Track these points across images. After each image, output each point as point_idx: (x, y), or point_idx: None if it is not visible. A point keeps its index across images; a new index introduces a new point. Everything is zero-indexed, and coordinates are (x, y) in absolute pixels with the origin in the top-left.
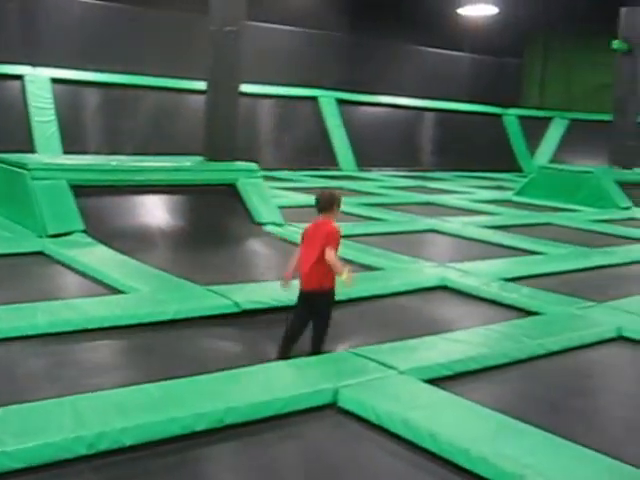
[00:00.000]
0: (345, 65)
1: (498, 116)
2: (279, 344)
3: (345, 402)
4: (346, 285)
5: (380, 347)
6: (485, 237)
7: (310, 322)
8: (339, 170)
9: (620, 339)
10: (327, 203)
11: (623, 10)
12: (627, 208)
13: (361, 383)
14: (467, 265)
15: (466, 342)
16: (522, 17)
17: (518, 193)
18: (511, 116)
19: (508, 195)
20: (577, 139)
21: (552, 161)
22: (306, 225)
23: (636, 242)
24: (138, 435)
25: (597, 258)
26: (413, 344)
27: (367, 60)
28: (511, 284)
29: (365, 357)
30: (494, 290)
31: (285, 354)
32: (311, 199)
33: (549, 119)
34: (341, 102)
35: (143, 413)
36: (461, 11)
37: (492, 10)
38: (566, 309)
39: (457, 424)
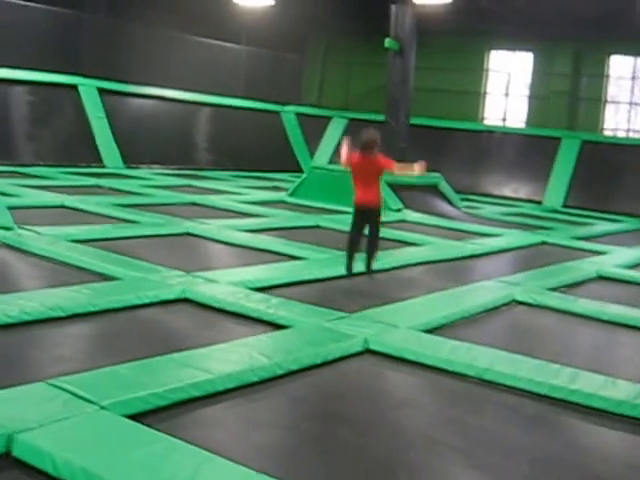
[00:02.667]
0: (107, 52)
1: (276, 113)
2: (345, 262)
3: (21, 451)
4: (421, 171)
5: (83, 376)
6: (245, 241)
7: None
8: (103, 167)
9: (367, 352)
10: (372, 144)
11: (393, 7)
12: (398, 210)
13: (46, 425)
14: (217, 273)
15: (195, 365)
16: (301, 12)
17: (292, 194)
18: (289, 114)
19: (282, 196)
20: (356, 138)
21: (332, 161)
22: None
23: (406, 245)
24: None
25: (360, 264)
26: (124, 371)
27: (131, 48)
28: (261, 294)
29: (61, 389)
30: (241, 301)
31: (351, 267)
32: (60, 199)
33: (328, 118)
34: (104, 92)
35: None
36: (237, 0)
37: (268, 1)
38: (316, 321)
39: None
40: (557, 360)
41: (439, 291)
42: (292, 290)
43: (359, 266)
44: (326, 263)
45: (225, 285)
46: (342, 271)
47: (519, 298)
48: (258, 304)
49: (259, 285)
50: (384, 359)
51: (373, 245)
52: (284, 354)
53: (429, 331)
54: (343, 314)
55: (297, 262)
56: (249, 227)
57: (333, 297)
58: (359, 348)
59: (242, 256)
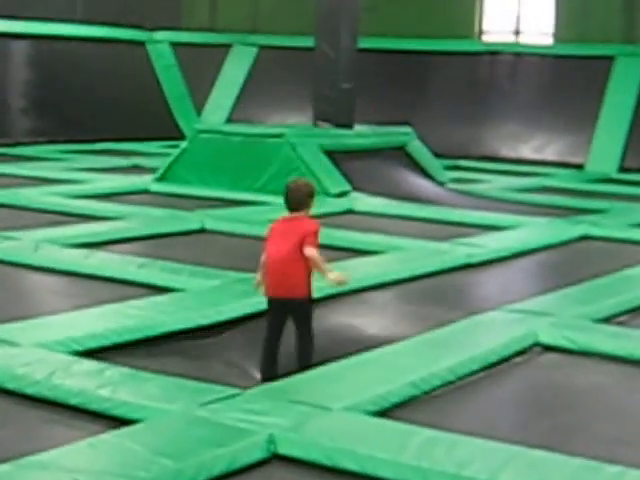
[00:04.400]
0: None
1: (139, 45)
2: (260, 363)
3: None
4: (339, 285)
5: None
6: (75, 265)
7: (283, 331)
8: None
9: (275, 459)
10: (300, 199)
11: None
12: (342, 194)
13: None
14: (20, 327)
15: None
16: None
17: (161, 177)
18: (161, 44)
19: (146, 181)
20: (271, 79)
21: (231, 119)
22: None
23: (357, 254)
24: None
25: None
26: None
27: None
28: (92, 362)
29: None
30: (55, 378)
31: (270, 373)
32: None
33: (225, 47)
34: None
35: None
36: None
37: None
38: (185, 408)
39: None
40: (613, 455)
41: (407, 337)
42: (149, 350)
43: None
44: (213, 296)
45: (30, 348)
46: (242, 307)
47: (545, 339)
48: (84, 381)
49: (90, 346)
50: (303, 470)
51: (304, 356)
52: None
53: (384, 412)
54: (233, 390)
55: (164, 297)
56: (85, 239)
57: (219, 358)
58: (260, 453)
59: (68, 292)
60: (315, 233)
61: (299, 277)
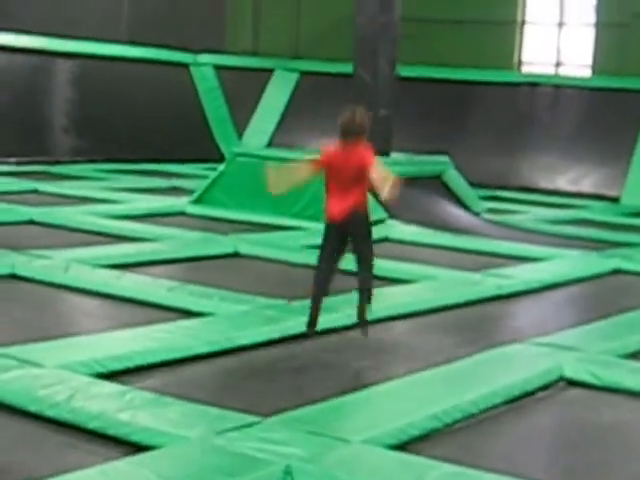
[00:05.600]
0: None
1: (183, 67)
2: (309, 312)
3: None
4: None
5: None
6: (105, 286)
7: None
8: None
9: None
10: (354, 128)
11: None
12: (378, 222)
13: None
14: (44, 347)
15: None
16: None
17: (198, 200)
18: (205, 67)
19: (183, 204)
20: (312, 104)
21: (273, 142)
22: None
23: (390, 283)
24: None
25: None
26: None
27: None
28: (113, 385)
29: None
30: (74, 400)
31: (316, 320)
32: None
33: (268, 72)
34: None
35: None
36: None
37: None
38: (203, 435)
39: None
40: None
41: (433, 366)
42: (174, 374)
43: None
44: (242, 321)
45: (53, 369)
46: (268, 332)
47: (570, 374)
48: (104, 404)
49: (113, 368)
50: None
51: (367, 279)
52: None
53: (403, 445)
54: (253, 418)
55: (191, 321)
56: (117, 261)
57: (243, 383)
58: None
59: (96, 313)
60: (370, 157)
61: (361, 202)
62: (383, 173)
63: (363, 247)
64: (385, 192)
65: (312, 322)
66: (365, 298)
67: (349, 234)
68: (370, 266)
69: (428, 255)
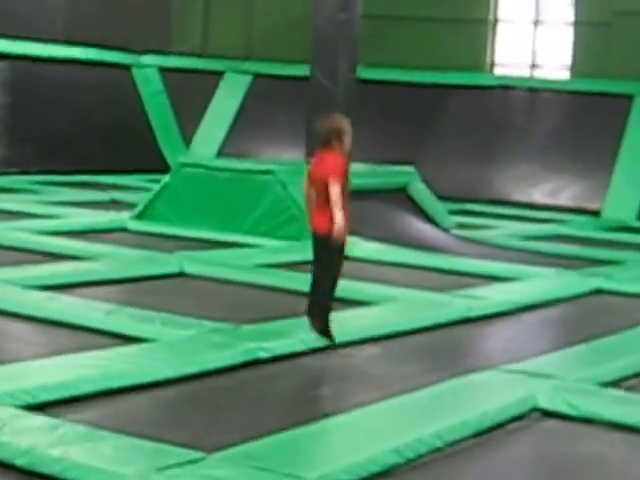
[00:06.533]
0: None
1: (125, 69)
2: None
3: None
4: (336, 236)
5: None
6: (36, 309)
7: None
8: None
9: None
10: (326, 136)
11: None
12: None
13: None
14: None
15: None
16: None
17: (140, 215)
18: (149, 68)
19: (124, 219)
20: (266, 110)
21: (223, 151)
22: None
23: (352, 305)
24: None
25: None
26: None
27: None
28: (42, 417)
29: None
30: None
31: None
32: None
33: (218, 75)
34: None
35: None
36: None
37: None
38: (141, 471)
39: None
40: None
41: (396, 395)
42: (110, 405)
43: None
44: (186, 348)
45: None
46: (215, 360)
47: (545, 404)
48: (34, 439)
49: (44, 398)
50: None
51: (315, 305)
52: None
53: None
54: (196, 453)
55: (131, 348)
56: (50, 281)
57: (186, 416)
58: None
59: (26, 339)
60: (337, 167)
61: (327, 215)
62: (334, 197)
63: (318, 272)
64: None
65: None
66: (312, 323)
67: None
68: (323, 293)
69: (391, 274)
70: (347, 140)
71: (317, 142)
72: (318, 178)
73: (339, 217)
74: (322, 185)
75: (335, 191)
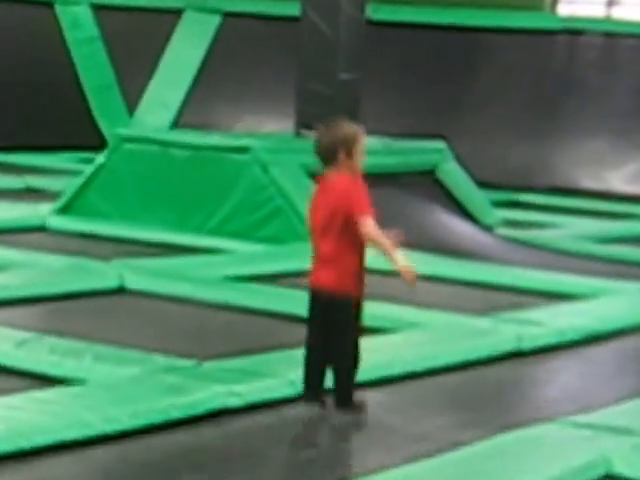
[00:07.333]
0: None
1: (46, 6)
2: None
3: None
4: (408, 280)
5: None
6: None
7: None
8: None
9: None
10: (328, 150)
11: None
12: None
13: None
14: None
15: None
16: None
17: (65, 208)
18: (79, 6)
19: (43, 213)
20: (241, 62)
21: (180, 120)
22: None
23: (369, 332)
24: None
25: None
26: None
27: None
28: None
29: None
30: None
31: (314, 395)
32: None
33: (174, 14)
34: None
35: None
36: None
37: None
38: None
39: None
40: None
41: (423, 457)
42: (25, 470)
43: None
44: (127, 392)
45: None
46: (167, 409)
47: (622, 469)
48: None
49: None
50: None
51: (338, 370)
52: None
53: None
54: None
55: (51, 392)
56: None
57: None
58: None
59: None
60: (357, 192)
61: (346, 266)
62: (374, 234)
63: (336, 340)
64: (396, 264)
65: (310, 392)
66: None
67: (322, 312)
68: (341, 356)
69: (416, 291)
70: (359, 153)
71: (317, 158)
72: (328, 212)
73: (401, 260)
74: (331, 221)
75: (372, 228)
